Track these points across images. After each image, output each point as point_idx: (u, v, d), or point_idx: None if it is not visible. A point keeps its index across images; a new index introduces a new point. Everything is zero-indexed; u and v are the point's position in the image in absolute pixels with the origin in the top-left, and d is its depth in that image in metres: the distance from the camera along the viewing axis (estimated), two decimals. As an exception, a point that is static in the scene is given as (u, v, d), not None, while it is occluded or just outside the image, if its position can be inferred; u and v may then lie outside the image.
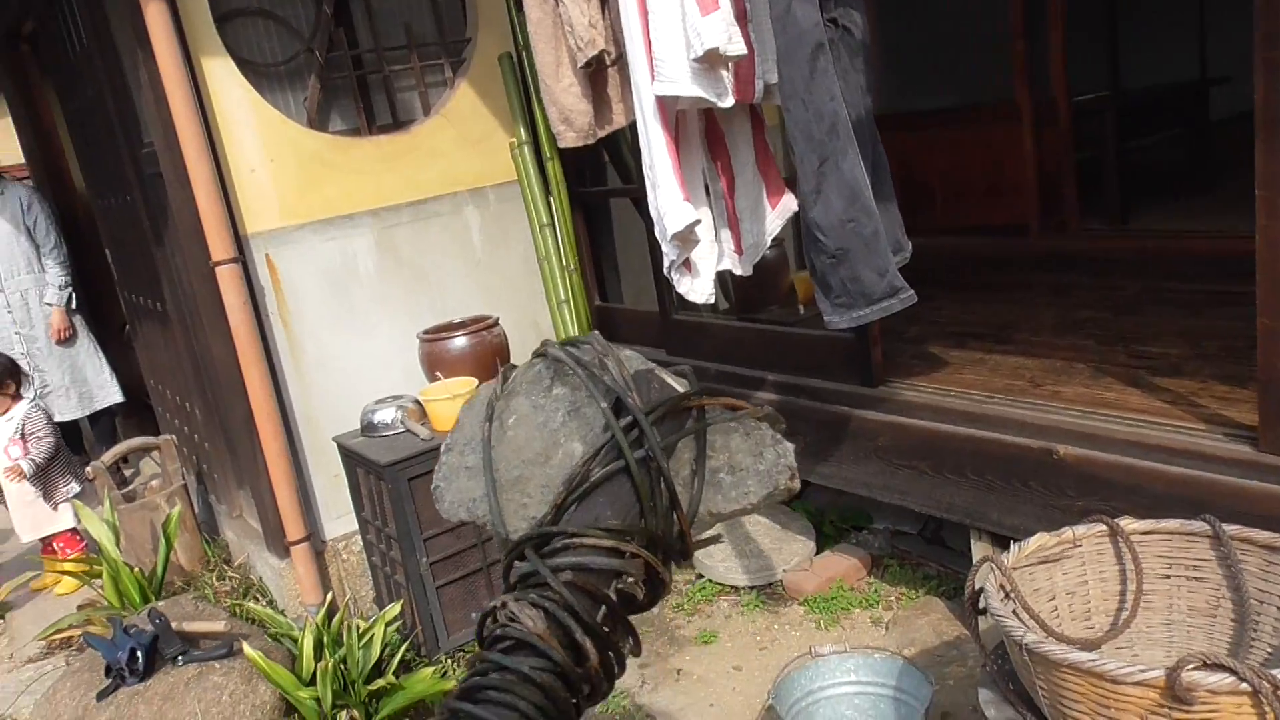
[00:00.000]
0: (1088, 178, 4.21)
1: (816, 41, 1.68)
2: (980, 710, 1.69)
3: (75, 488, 4.17)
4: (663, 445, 0.74)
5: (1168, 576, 1.75)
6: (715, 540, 0.99)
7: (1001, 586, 1.63)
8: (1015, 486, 2.38)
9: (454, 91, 3.50)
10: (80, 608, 3.62)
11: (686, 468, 0.76)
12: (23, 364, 4.99)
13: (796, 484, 0.82)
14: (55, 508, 4.12)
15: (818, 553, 3.27)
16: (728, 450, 0.80)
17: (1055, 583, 1.77)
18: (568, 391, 0.77)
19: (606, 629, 0.70)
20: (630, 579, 0.71)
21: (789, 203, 2.32)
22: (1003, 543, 2.33)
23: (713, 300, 2.31)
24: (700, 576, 3.33)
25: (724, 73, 1.91)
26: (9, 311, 5.03)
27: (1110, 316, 3.16)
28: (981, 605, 1.63)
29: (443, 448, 0.84)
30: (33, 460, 3.98)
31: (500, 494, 0.75)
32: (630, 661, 2.52)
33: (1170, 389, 2.40)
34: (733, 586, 3.25)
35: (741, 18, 1.94)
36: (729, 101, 1.96)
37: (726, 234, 2.30)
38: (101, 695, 2.65)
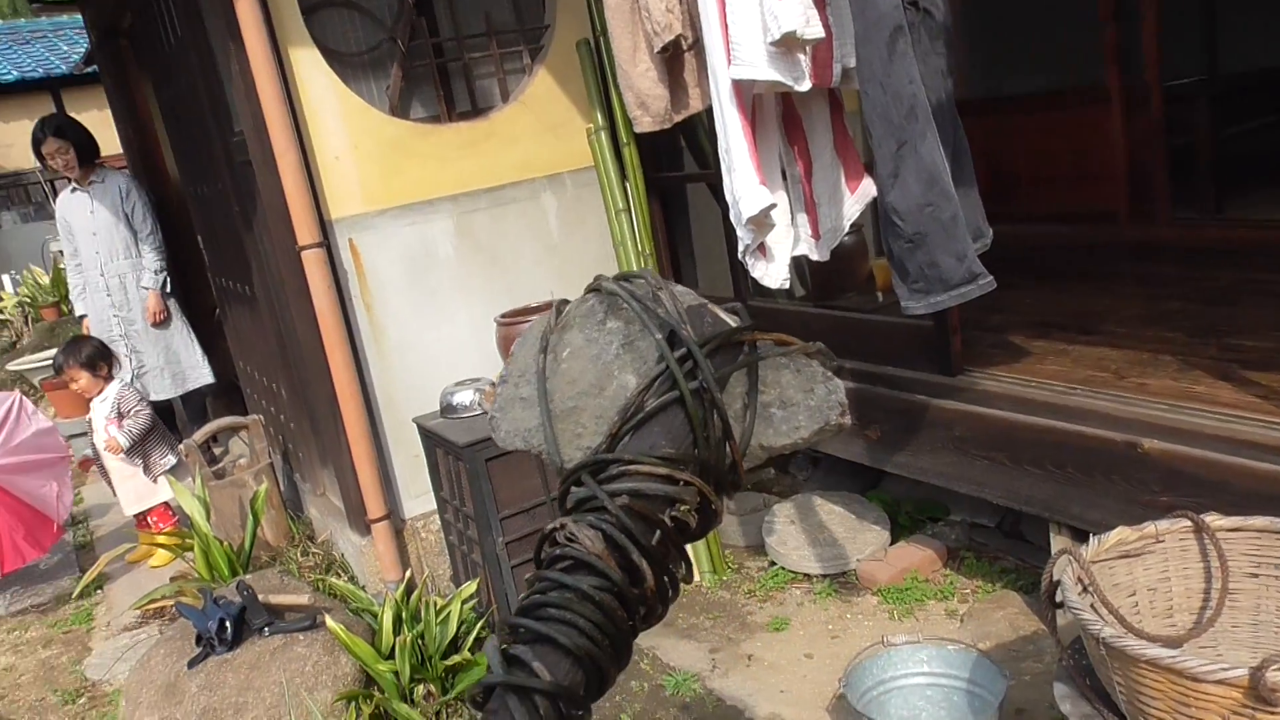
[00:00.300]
0: (1180, 165, 4.07)
1: (895, 24, 1.66)
2: (1056, 706, 1.66)
3: (171, 460, 4.33)
4: (715, 377, 0.74)
5: (1255, 575, 1.69)
6: (766, 470, 0.99)
7: (1079, 580, 1.60)
8: (1097, 480, 2.33)
9: (532, 78, 3.53)
10: (173, 579, 3.77)
11: (738, 401, 0.76)
12: (120, 345, 5.22)
13: (847, 420, 0.82)
14: (155, 480, 4.29)
15: (892, 543, 3.24)
16: (779, 385, 0.80)
17: (1136, 578, 1.73)
18: (621, 325, 0.77)
19: (661, 553, 0.70)
20: (684, 507, 0.72)
21: (868, 187, 2.30)
22: (1083, 537, 2.28)
23: (787, 285, 2.30)
24: (773, 564, 3.32)
25: (801, 56, 1.90)
26: (108, 295, 5.24)
27: (1201, 308, 3.06)
28: (1058, 599, 1.60)
29: (498, 380, 0.85)
30: (129, 433, 4.14)
31: (555, 424, 0.76)
32: (700, 646, 2.55)
33: (1262, 383, 2.32)
34: (805, 574, 3.24)
35: (820, 1, 1.93)
36: (806, 85, 1.94)
37: (803, 218, 2.28)
38: (192, 663, 2.76)
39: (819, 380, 0.80)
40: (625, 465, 0.71)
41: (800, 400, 0.80)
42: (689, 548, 2.70)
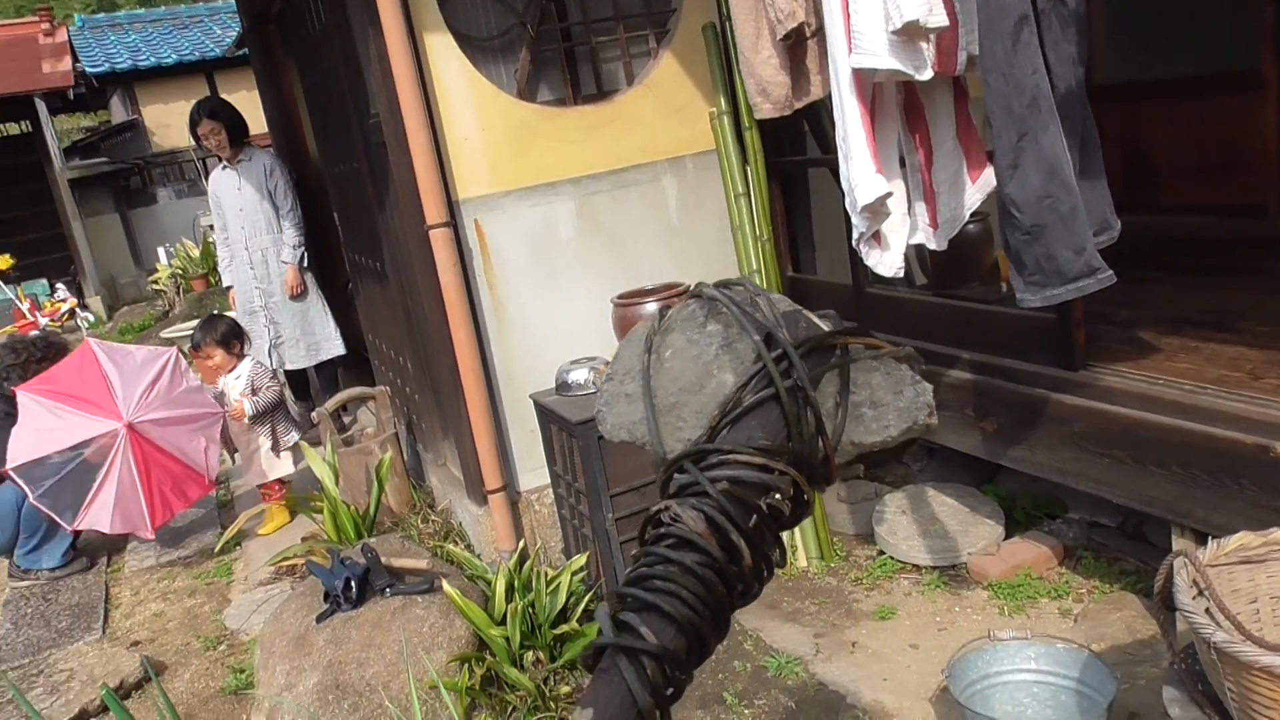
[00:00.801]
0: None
1: (1021, 13, 1.62)
2: (1166, 710, 1.63)
3: (295, 436, 4.55)
4: (809, 376, 0.78)
5: (1390, 587, 1.62)
6: (856, 469, 1.03)
7: (1194, 583, 1.56)
8: (1224, 483, 2.24)
9: (657, 62, 3.57)
10: (304, 539, 3.98)
11: (830, 400, 0.81)
12: (260, 317, 5.51)
13: (934, 420, 0.85)
14: (279, 454, 4.52)
15: (1006, 538, 3.18)
16: (869, 387, 0.84)
17: (1258, 585, 1.67)
18: (720, 328, 0.82)
19: (757, 536, 0.75)
20: (778, 495, 0.76)
21: (991, 177, 2.25)
22: (1207, 541, 2.20)
23: (901, 274, 2.28)
24: (881, 553, 3.30)
25: (924, 45, 1.88)
26: (251, 269, 5.54)
27: (1352, 307, 2.89)
28: (1172, 602, 1.57)
29: (604, 378, 0.92)
30: (257, 405, 4.36)
31: (658, 418, 0.82)
32: (804, 630, 2.56)
33: None
34: (914, 565, 3.21)
35: (947, -11, 1.90)
36: (927, 74, 1.92)
37: (921, 207, 2.26)
38: (320, 618, 2.92)
39: (908, 383, 0.84)
40: (725, 455, 0.77)
41: (890, 401, 0.84)
42: (795, 532, 2.70)
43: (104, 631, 3.82)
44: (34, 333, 7.96)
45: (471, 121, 3.30)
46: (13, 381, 4.41)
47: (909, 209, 2.25)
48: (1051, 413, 2.71)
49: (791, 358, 0.79)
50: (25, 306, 12.27)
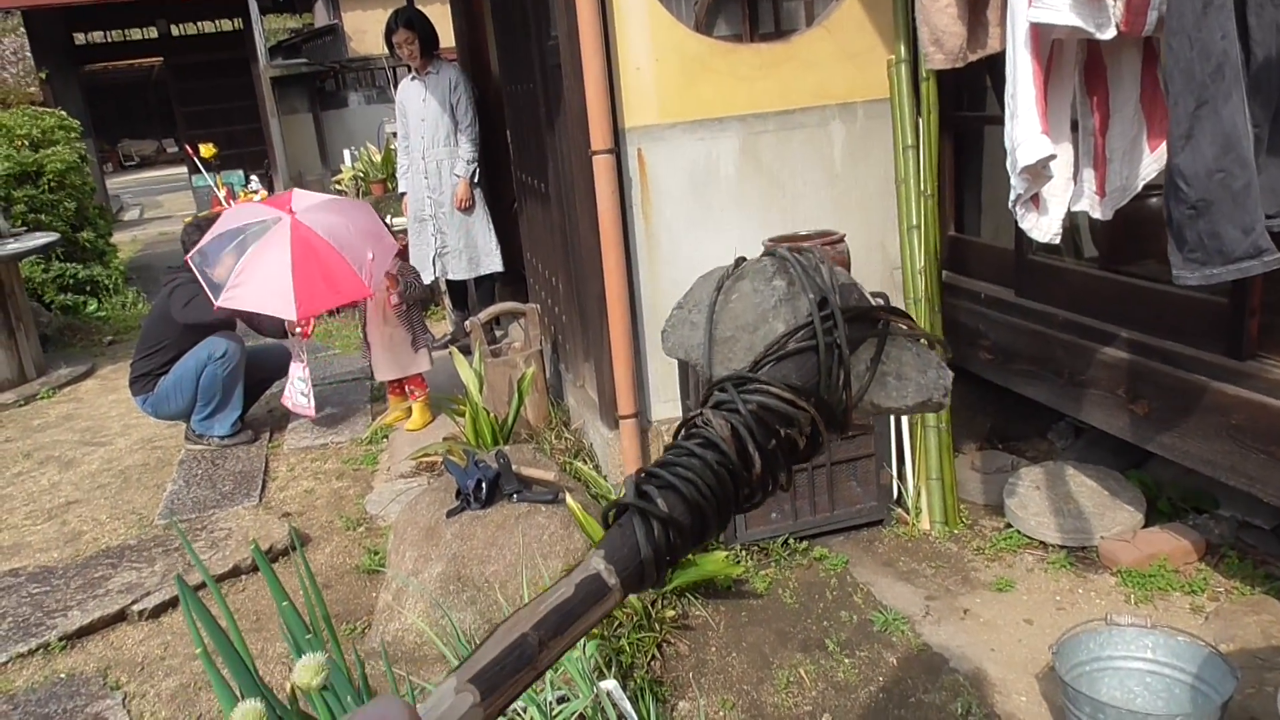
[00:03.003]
0: None
1: None
2: None
3: (430, 337, 4.78)
4: (848, 338, 0.92)
5: None
6: (869, 427, 1.14)
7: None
8: (1392, 499, 2.09)
9: (839, 4, 3.49)
10: (445, 439, 4.19)
11: (862, 364, 0.95)
12: (429, 225, 5.75)
13: (947, 401, 0.97)
14: (415, 351, 4.74)
15: (1145, 526, 3.06)
16: (899, 361, 0.97)
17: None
18: (784, 285, 0.94)
19: (771, 455, 0.89)
20: (797, 430, 0.89)
21: (1174, 147, 2.13)
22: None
23: (1057, 240, 2.19)
24: (1009, 526, 3.24)
25: (1110, 2, 1.78)
26: (425, 178, 5.77)
27: None
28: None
29: (675, 305, 1.04)
30: (401, 291, 4.59)
31: (713, 346, 0.94)
32: (917, 591, 2.56)
33: None
34: (1041, 542, 3.13)
35: (1138, -58, 1.79)
36: (1110, 33, 1.82)
37: (1089, 174, 2.16)
38: (450, 514, 3.09)
39: (933, 365, 0.98)
40: (761, 384, 0.90)
41: (914, 377, 0.97)
42: (921, 494, 2.68)
43: (260, 500, 4.16)
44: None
45: (646, 51, 3.32)
46: None
47: (1075, 174, 2.15)
48: (1210, 401, 2.57)
49: (837, 320, 0.92)
50: (222, 194, 13.13)
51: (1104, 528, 3.02)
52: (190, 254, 4.39)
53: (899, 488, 3.41)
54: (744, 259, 1.03)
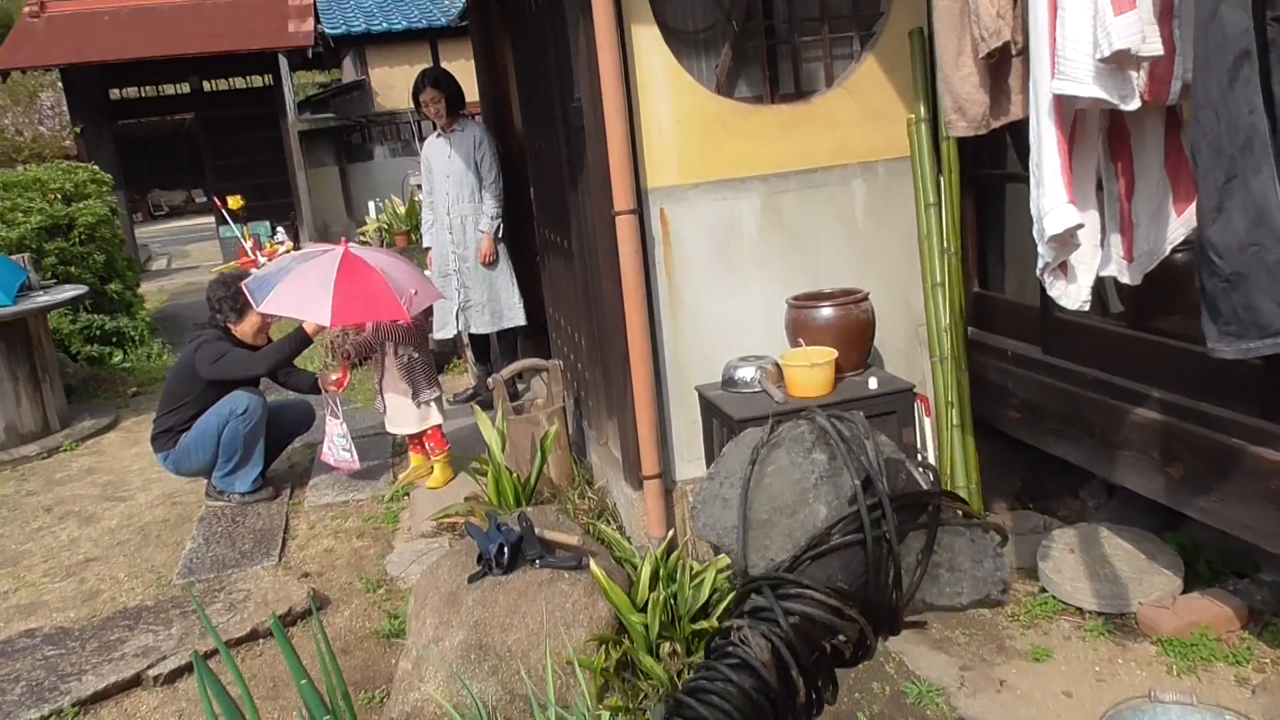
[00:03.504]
0: None
1: (1242, 49, 1.49)
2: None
3: (435, 392, 4.74)
4: (898, 530, 0.79)
5: None
6: (922, 624, 1.04)
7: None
8: None
9: (859, 65, 3.50)
10: (467, 499, 4.16)
11: (913, 555, 0.82)
12: (454, 280, 5.77)
13: (1006, 598, 0.87)
14: (418, 407, 4.72)
15: (1184, 591, 2.97)
16: (952, 550, 0.86)
17: None
18: (825, 458, 0.84)
19: (815, 673, 0.77)
20: (843, 639, 0.77)
21: (1199, 211, 2.10)
22: None
23: (1086, 308, 2.15)
24: (1043, 590, 3.16)
25: (1134, 74, 1.76)
26: (450, 233, 5.81)
27: None
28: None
29: (706, 475, 0.95)
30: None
31: (748, 531, 0.85)
32: (951, 660, 2.49)
33: None
34: (1078, 608, 3.05)
35: (1165, 15, 1.77)
36: (1134, 104, 1.80)
37: (1117, 239, 2.13)
38: (472, 579, 3.05)
39: (989, 554, 0.87)
40: (803, 589, 0.80)
41: (968, 569, 0.86)
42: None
43: (280, 559, 4.13)
44: (253, 270, 8.63)
45: (667, 113, 3.33)
46: (224, 314, 4.81)
47: (1102, 240, 2.12)
48: (1248, 465, 2.51)
49: (885, 509, 0.82)
50: (249, 245, 13.31)
51: (1142, 593, 2.94)
52: (247, 280, 4.46)
53: (927, 551, 3.34)
54: (779, 420, 0.95)
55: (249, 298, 4.35)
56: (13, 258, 6.90)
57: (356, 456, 4.78)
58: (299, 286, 4.24)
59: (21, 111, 16.29)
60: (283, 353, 4.77)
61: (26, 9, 15.47)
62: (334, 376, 4.76)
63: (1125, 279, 2.17)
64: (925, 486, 0.89)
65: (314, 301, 4.17)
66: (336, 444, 4.78)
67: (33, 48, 14.33)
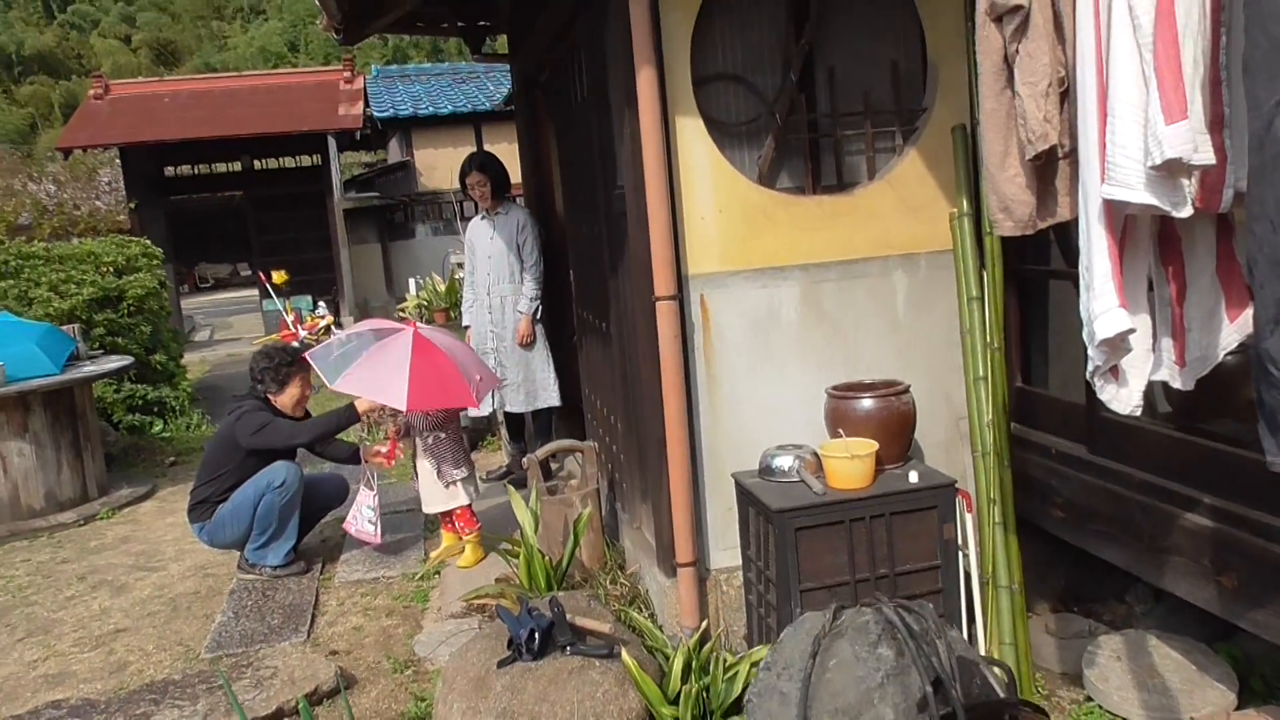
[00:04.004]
0: None
1: None
2: None
3: (463, 472, 4.74)
4: None
5: None
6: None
7: None
8: None
9: (902, 159, 3.54)
10: (497, 580, 4.12)
11: None
12: (491, 358, 5.81)
13: None
14: (446, 487, 4.72)
15: (1238, 707, 2.86)
16: None
17: None
18: (892, 655, 0.80)
19: None
20: None
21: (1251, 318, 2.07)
22: None
23: (1138, 413, 2.12)
24: (1088, 699, 3.05)
25: (1185, 181, 1.76)
26: (489, 313, 5.88)
27: None
28: None
29: (763, 664, 0.91)
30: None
31: None
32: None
33: None
34: (1125, 719, 2.94)
35: (1216, 125, 1.78)
36: (1186, 212, 1.80)
37: (1168, 343, 2.10)
38: (501, 664, 3.00)
39: None
40: None
41: None
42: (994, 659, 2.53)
43: (308, 636, 4.10)
44: (294, 343, 8.76)
45: (710, 202, 3.37)
46: (266, 385, 4.87)
47: (1154, 344, 2.10)
48: (1305, 579, 2.43)
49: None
50: (290, 319, 13.55)
51: (1193, 707, 2.83)
52: (312, 351, 4.52)
53: (967, 651, 3.25)
54: (842, 608, 0.90)
55: (316, 371, 4.42)
56: (63, 328, 7.06)
57: (380, 531, 4.82)
58: (375, 368, 4.30)
59: (80, 187, 16.86)
60: (329, 426, 4.82)
61: (91, 91, 16.13)
62: (382, 449, 4.82)
63: (1177, 384, 2.14)
64: (1000, 692, 0.84)
65: (390, 384, 4.25)
66: (363, 514, 4.83)
67: (95, 127, 14.92)
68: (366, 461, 4.84)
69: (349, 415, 4.84)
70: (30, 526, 6.01)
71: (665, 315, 3.32)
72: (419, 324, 4.61)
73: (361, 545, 5.00)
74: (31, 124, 40.08)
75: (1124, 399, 2.09)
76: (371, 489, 4.84)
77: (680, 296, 3.36)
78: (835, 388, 3.39)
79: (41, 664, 4.05)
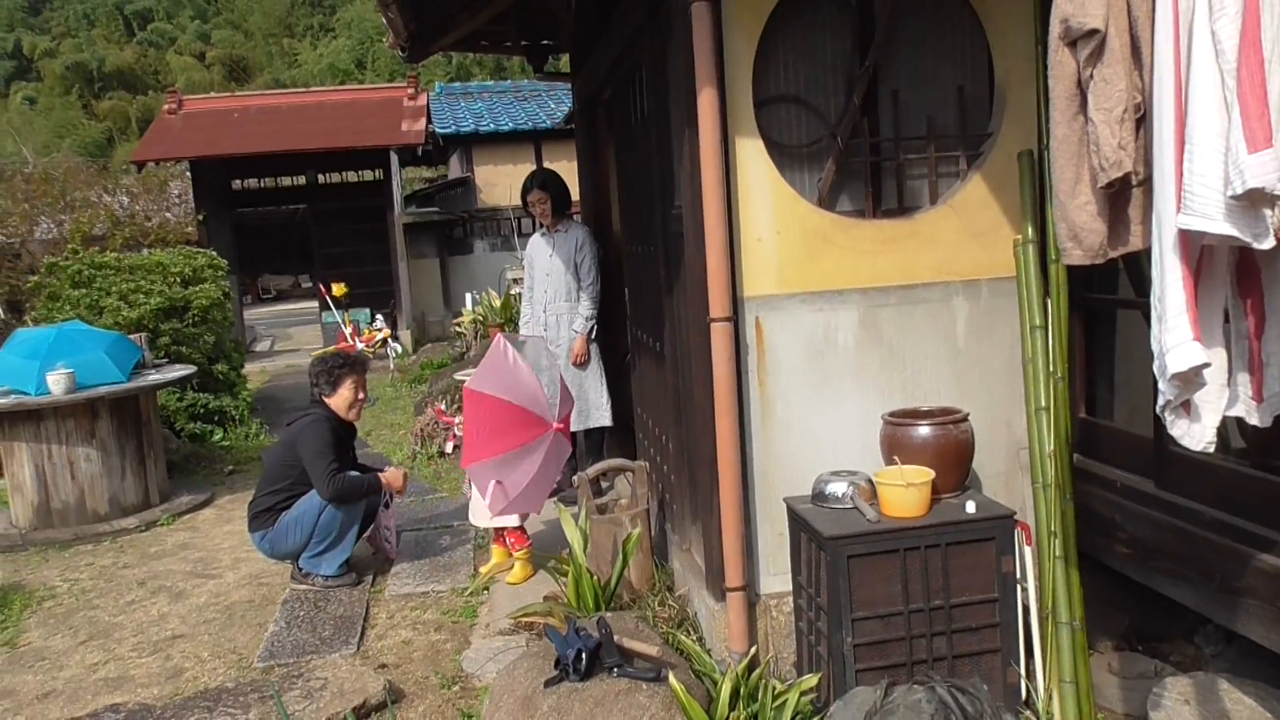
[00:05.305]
0: None
1: None
2: None
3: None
4: None
5: None
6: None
7: None
8: None
9: (965, 184, 3.48)
10: (546, 599, 4.11)
11: None
12: (544, 375, 5.82)
13: None
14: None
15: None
16: None
17: None
18: None
19: None
20: None
21: (1335, 352, 1.99)
22: None
23: (1211, 449, 2.05)
24: (1148, 744, 2.94)
25: (1268, 212, 1.70)
26: (545, 330, 5.90)
27: None
28: None
29: None
30: None
31: None
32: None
33: None
34: (1187, 768, 2.83)
35: (1307, 153, 1.72)
36: (1269, 243, 1.73)
37: (1245, 378, 2.03)
38: (548, 683, 2.99)
39: None
40: None
41: None
42: (1053, 698, 2.45)
43: (358, 648, 4.12)
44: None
45: (768, 223, 3.35)
46: (322, 388, 4.96)
47: (1229, 379, 2.02)
48: (1386, 629, 2.32)
49: None
50: (349, 331, 13.76)
51: (1263, 755, 2.72)
52: (488, 498, 4.36)
53: (1028, 688, 3.17)
54: (894, 684, 0.88)
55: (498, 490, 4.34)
56: (131, 336, 7.24)
57: (395, 549, 5.24)
58: (534, 490, 4.41)
59: (152, 199, 17.33)
60: (353, 490, 4.84)
61: (165, 106, 16.61)
62: (398, 483, 5.13)
63: (1254, 420, 2.06)
64: None
65: (533, 501, 4.50)
66: (381, 533, 5.20)
67: (168, 142, 15.35)
68: (396, 494, 5.17)
69: (374, 486, 5.00)
70: (95, 531, 6.16)
71: (720, 336, 3.29)
72: (504, 336, 4.67)
73: (413, 559, 5.10)
74: (109, 137, 41.34)
75: (1196, 435, 2.01)
76: (389, 509, 5.21)
77: (735, 318, 3.33)
78: (892, 414, 3.34)
79: (102, 667, 4.13)
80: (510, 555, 4.79)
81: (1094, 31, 2.00)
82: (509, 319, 10.86)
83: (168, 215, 17.05)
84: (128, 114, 42.61)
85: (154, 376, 6.81)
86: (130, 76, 46.63)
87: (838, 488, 3.22)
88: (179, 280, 8.63)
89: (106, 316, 7.94)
